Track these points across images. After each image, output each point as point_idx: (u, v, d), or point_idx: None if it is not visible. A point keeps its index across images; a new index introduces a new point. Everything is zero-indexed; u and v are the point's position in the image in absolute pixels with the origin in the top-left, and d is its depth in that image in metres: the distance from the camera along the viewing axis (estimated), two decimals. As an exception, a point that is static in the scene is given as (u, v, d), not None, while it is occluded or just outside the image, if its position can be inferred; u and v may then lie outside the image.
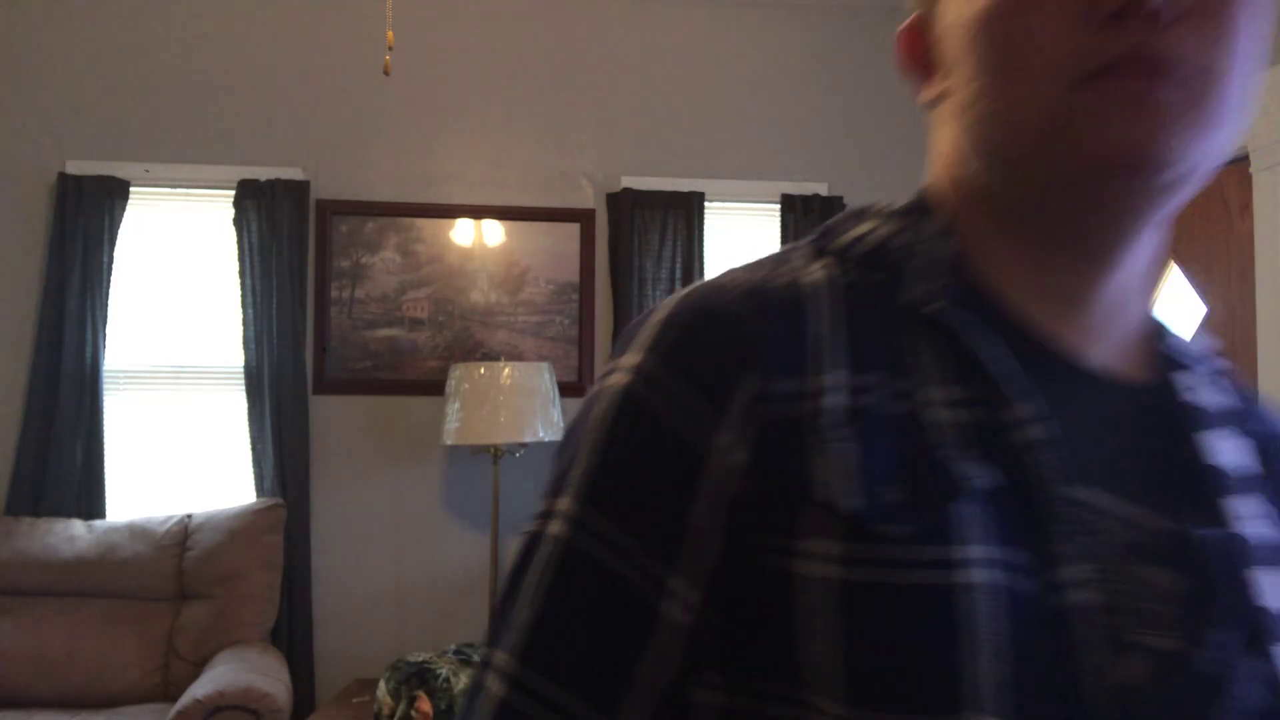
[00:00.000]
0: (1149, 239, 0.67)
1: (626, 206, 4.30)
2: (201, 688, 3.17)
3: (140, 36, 4.19)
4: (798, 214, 4.36)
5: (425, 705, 3.12)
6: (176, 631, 3.65)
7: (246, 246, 4.09)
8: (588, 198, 4.39)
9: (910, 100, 4.55)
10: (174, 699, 3.42)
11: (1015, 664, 0.54)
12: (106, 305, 4.00)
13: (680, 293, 0.65)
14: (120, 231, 4.05)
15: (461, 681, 3.41)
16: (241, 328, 4.05)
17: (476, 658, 3.53)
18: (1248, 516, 0.63)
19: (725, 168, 4.45)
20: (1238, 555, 0.60)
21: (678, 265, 4.32)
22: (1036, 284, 0.65)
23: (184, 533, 3.77)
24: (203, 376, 4.13)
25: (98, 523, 3.80)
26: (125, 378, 4.10)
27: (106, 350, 4.00)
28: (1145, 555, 0.59)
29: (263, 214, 4.10)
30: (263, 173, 4.13)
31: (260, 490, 4.02)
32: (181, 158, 4.17)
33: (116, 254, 4.04)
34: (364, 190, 4.25)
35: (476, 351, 4.25)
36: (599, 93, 4.41)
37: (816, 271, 0.65)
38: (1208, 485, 0.63)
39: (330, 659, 4.08)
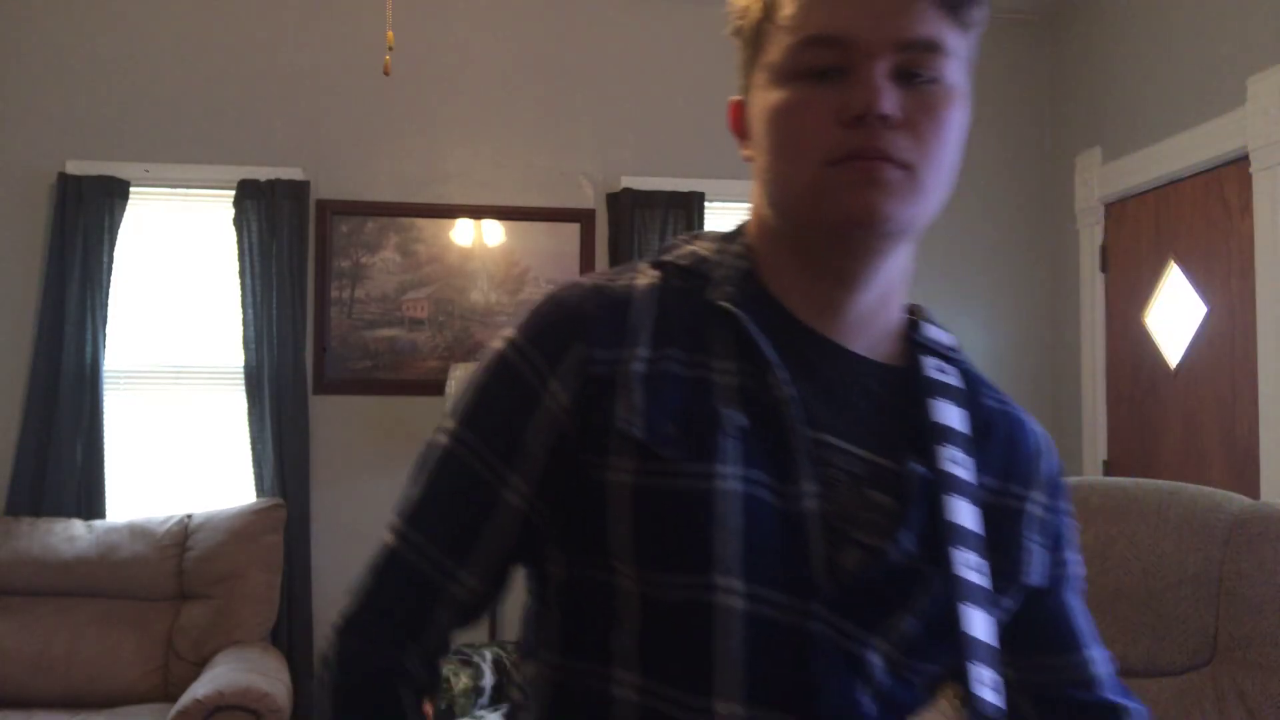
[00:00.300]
0: (889, 267, 0.93)
1: (626, 206, 4.30)
2: (201, 688, 3.17)
3: (140, 37, 4.20)
4: (798, 214, 4.36)
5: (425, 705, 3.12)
6: (176, 631, 3.64)
7: (246, 246, 4.09)
8: (588, 198, 4.39)
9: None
10: (174, 699, 3.41)
11: (752, 543, 0.84)
12: (106, 305, 4.00)
13: (552, 286, 0.95)
14: (120, 231, 4.05)
15: (462, 681, 3.41)
16: (241, 328, 4.05)
17: (477, 658, 3.53)
18: (950, 461, 0.91)
19: (725, 167, 4.45)
20: (934, 485, 0.89)
21: (678, 265, 4.32)
22: (807, 293, 0.93)
23: (184, 533, 3.77)
24: (203, 376, 4.13)
25: (98, 523, 3.80)
26: (125, 378, 4.10)
27: (106, 350, 4.01)
28: (867, 481, 0.89)
29: (263, 214, 4.10)
30: (263, 173, 4.13)
31: (260, 490, 4.02)
32: (181, 158, 4.17)
33: (116, 254, 4.04)
34: (364, 190, 4.25)
35: (476, 351, 4.25)
36: (599, 93, 4.41)
37: (648, 278, 0.95)
38: (927, 437, 0.92)
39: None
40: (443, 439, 0.93)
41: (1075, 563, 1.03)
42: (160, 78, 4.19)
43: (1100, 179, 4.23)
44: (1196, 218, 3.71)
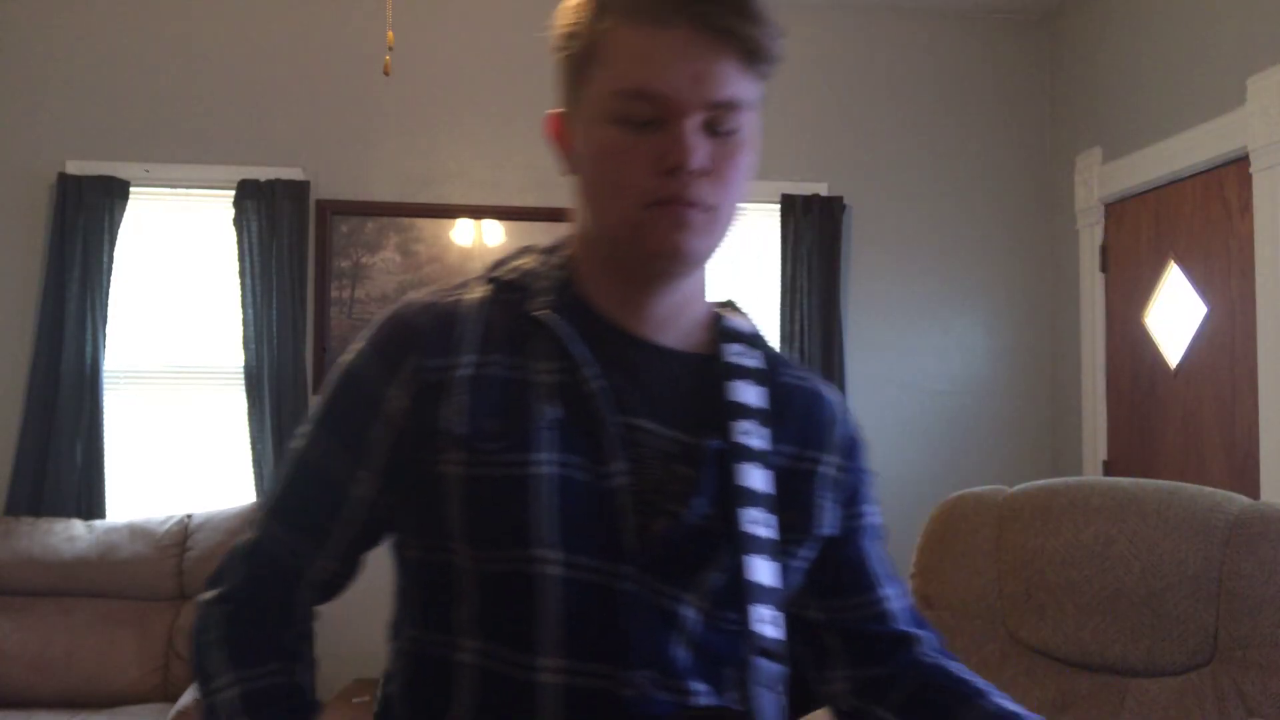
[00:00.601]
0: (692, 279, 1.09)
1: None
2: (201, 687, 3.16)
3: (140, 37, 4.20)
4: (798, 213, 4.36)
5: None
6: (176, 632, 3.64)
7: (246, 246, 4.09)
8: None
9: (909, 100, 4.57)
10: (174, 699, 3.42)
11: (568, 518, 0.97)
12: (106, 305, 4.01)
13: (394, 306, 1.09)
14: (120, 231, 4.05)
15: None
16: (241, 328, 4.05)
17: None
18: (744, 433, 1.05)
19: (725, 168, 4.45)
20: (729, 455, 1.03)
21: (678, 265, 4.32)
22: (619, 298, 1.07)
23: (184, 533, 3.77)
24: (202, 376, 4.13)
25: (98, 523, 3.80)
26: (125, 377, 4.10)
27: (106, 350, 4.01)
28: (674, 457, 1.02)
29: (263, 214, 4.10)
30: (263, 173, 4.13)
31: (260, 490, 4.02)
32: (181, 158, 4.17)
33: (116, 254, 4.04)
34: (364, 190, 4.25)
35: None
36: (599, 93, 4.41)
37: (476, 293, 1.09)
38: (726, 414, 1.05)
39: (330, 659, 4.04)
40: (300, 442, 1.09)
41: (871, 514, 1.21)
42: (160, 78, 4.19)
43: (1100, 179, 4.23)
44: (1196, 218, 3.71)
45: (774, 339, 4.33)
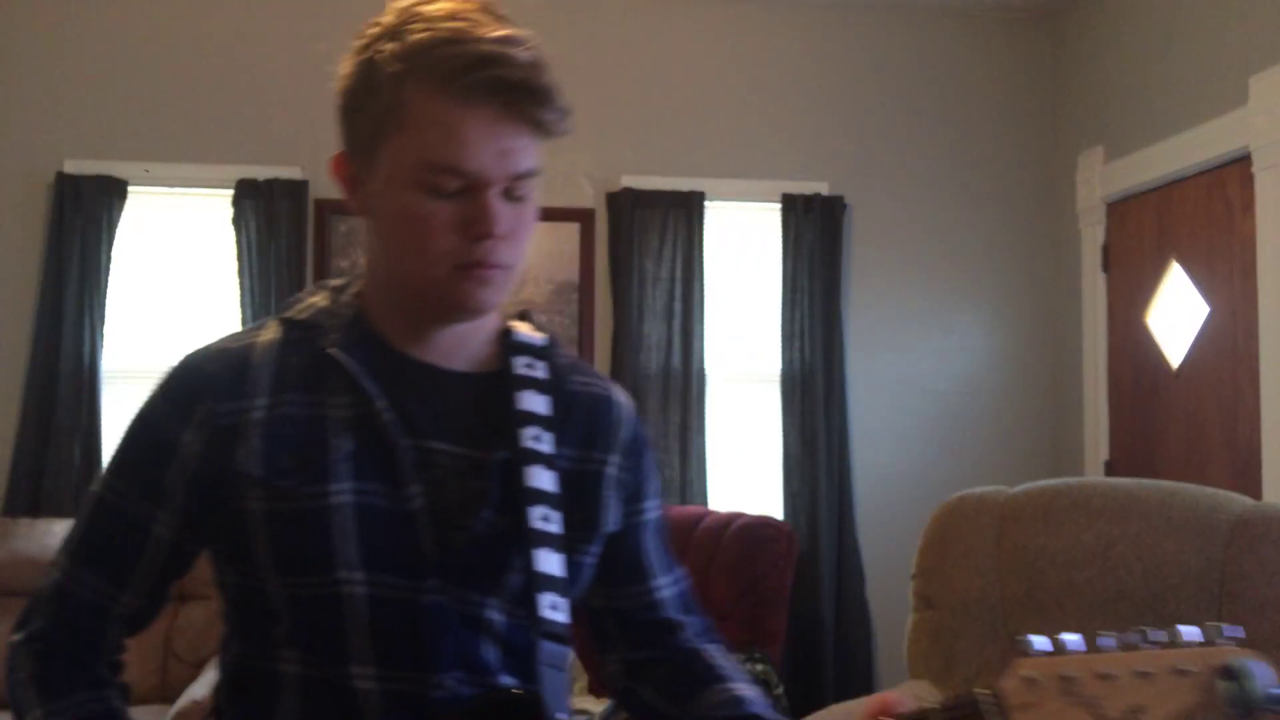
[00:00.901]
0: (483, 318, 1.16)
1: (626, 206, 4.30)
2: (199, 689, 3.17)
3: (138, 36, 4.19)
4: (798, 213, 4.35)
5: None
6: (174, 633, 3.64)
7: (245, 246, 4.09)
8: (588, 197, 4.38)
9: (910, 100, 4.56)
10: (172, 700, 3.40)
11: (367, 541, 1.05)
12: (104, 304, 4.00)
13: (187, 353, 1.15)
14: (118, 231, 4.05)
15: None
16: (239, 327, 4.03)
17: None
18: (532, 439, 1.14)
19: (725, 167, 4.45)
20: (516, 463, 1.12)
21: (678, 265, 4.31)
22: (408, 332, 1.14)
23: (182, 533, 3.76)
24: (201, 376, 4.12)
25: (96, 523, 3.79)
26: (123, 377, 4.09)
27: (104, 349, 4.01)
28: (466, 474, 1.10)
29: (261, 213, 4.10)
30: (261, 172, 4.13)
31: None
32: (180, 157, 4.17)
33: (114, 253, 4.04)
34: (363, 190, 4.24)
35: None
36: (599, 92, 4.40)
37: (270, 335, 1.14)
38: (515, 423, 1.14)
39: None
40: (98, 486, 1.14)
41: (652, 509, 1.28)
42: (158, 77, 4.18)
43: (1102, 178, 4.22)
44: (1198, 217, 3.70)
45: (775, 338, 4.33)
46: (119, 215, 4.04)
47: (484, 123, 1.04)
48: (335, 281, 1.21)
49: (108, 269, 4.01)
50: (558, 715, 1.08)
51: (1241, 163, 3.44)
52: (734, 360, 4.45)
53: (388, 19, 1.10)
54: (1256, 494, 3.25)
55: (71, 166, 4.06)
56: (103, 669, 1.13)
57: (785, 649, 3.81)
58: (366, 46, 1.11)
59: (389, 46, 1.07)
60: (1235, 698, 0.98)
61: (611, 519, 1.21)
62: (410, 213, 1.06)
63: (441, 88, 1.03)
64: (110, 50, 4.17)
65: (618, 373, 4.26)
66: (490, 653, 1.11)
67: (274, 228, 4.08)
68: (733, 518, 3.81)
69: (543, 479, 1.13)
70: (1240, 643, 1.02)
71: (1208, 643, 1.03)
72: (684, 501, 4.23)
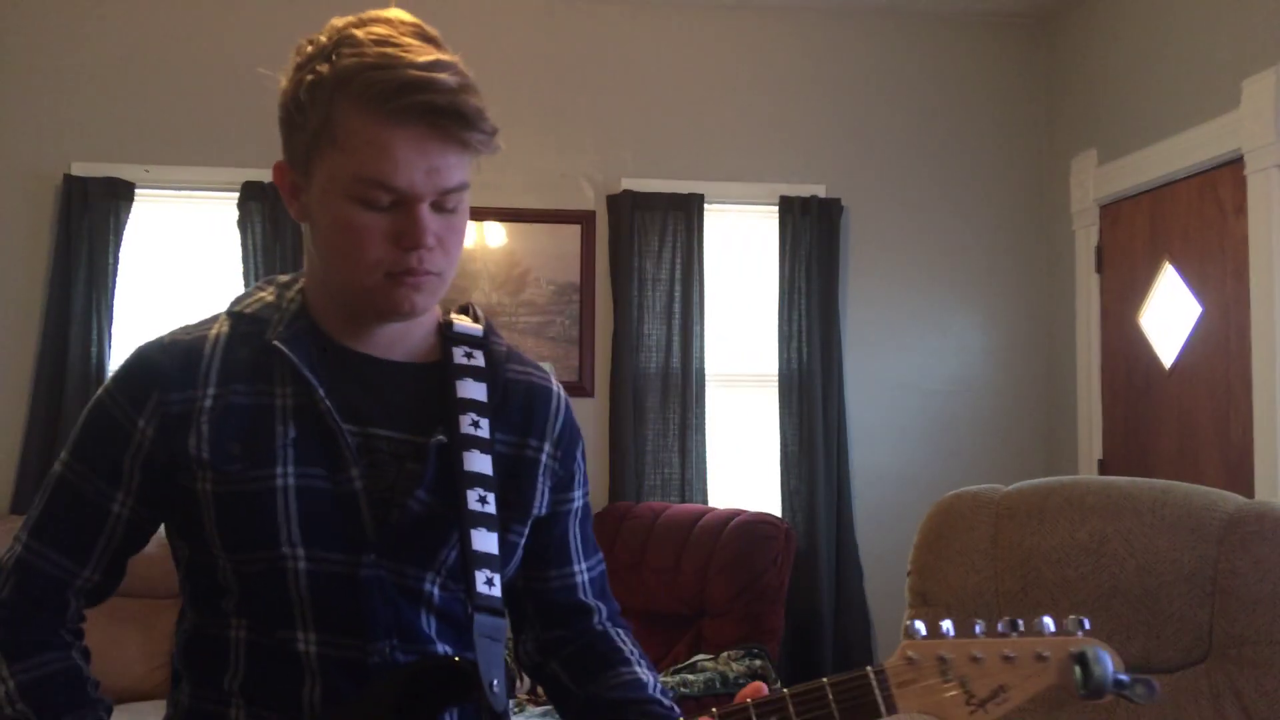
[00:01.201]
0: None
1: (626, 208, 4.33)
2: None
3: (145, 39, 4.22)
4: (796, 215, 4.39)
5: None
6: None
7: (250, 248, 4.12)
8: (588, 199, 4.41)
9: (906, 103, 4.60)
10: (178, 697, 3.43)
11: (308, 521, 1.14)
12: (111, 306, 4.03)
13: (140, 344, 1.25)
14: (125, 233, 4.07)
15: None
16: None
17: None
18: (470, 425, 1.21)
19: (724, 170, 4.48)
20: (453, 447, 1.19)
21: (677, 266, 4.35)
22: (349, 328, 1.21)
23: (188, 531, 3.78)
24: (206, 376, 4.14)
25: (102, 522, 3.81)
26: (129, 378, 4.12)
27: (111, 350, 4.02)
28: (405, 457, 1.19)
29: (266, 215, 4.12)
30: (267, 174, 4.06)
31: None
32: (186, 159, 4.19)
33: (121, 255, 4.06)
34: (366, 192, 4.26)
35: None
36: (599, 95, 4.43)
37: (220, 328, 1.23)
38: (454, 410, 1.21)
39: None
40: (59, 468, 1.21)
41: (579, 498, 1.36)
42: (165, 81, 4.21)
43: (1096, 180, 4.26)
44: (1191, 219, 3.74)
45: (773, 339, 4.37)
46: (126, 217, 4.07)
47: (412, 142, 1.10)
48: (282, 278, 1.29)
49: (115, 270, 4.04)
50: (492, 682, 1.15)
51: (1234, 165, 3.48)
52: (733, 360, 4.49)
53: (322, 38, 1.17)
54: (1249, 492, 3.28)
55: (79, 169, 4.08)
56: (65, 634, 1.20)
57: (783, 645, 3.84)
58: (302, 65, 1.17)
59: (322, 68, 1.13)
60: (1085, 682, 1.09)
61: (541, 503, 1.30)
62: (345, 223, 1.13)
63: (371, 109, 1.09)
64: (117, 54, 4.20)
65: (618, 373, 4.30)
66: (427, 623, 1.20)
67: (279, 229, 4.11)
68: (731, 515, 3.84)
69: (480, 463, 1.21)
70: (1089, 633, 1.13)
71: (1063, 632, 1.13)
72: (683, 500, 4.27)
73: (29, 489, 3.92)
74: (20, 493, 3.93)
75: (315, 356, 1.19)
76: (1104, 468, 4.20)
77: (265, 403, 1.17)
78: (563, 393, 1.35)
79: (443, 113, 1.09)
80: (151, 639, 3.62)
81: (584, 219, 4.39)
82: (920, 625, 1.15)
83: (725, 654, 3.42)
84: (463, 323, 1.31)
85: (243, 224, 4.12)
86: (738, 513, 3.85)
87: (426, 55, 1.11)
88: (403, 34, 1.13)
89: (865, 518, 4.43)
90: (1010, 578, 2.42)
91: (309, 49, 1.18)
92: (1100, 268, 4.26)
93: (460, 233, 1.19)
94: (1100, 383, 4.26)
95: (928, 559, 2.62)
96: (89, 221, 4.01)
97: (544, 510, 1.30)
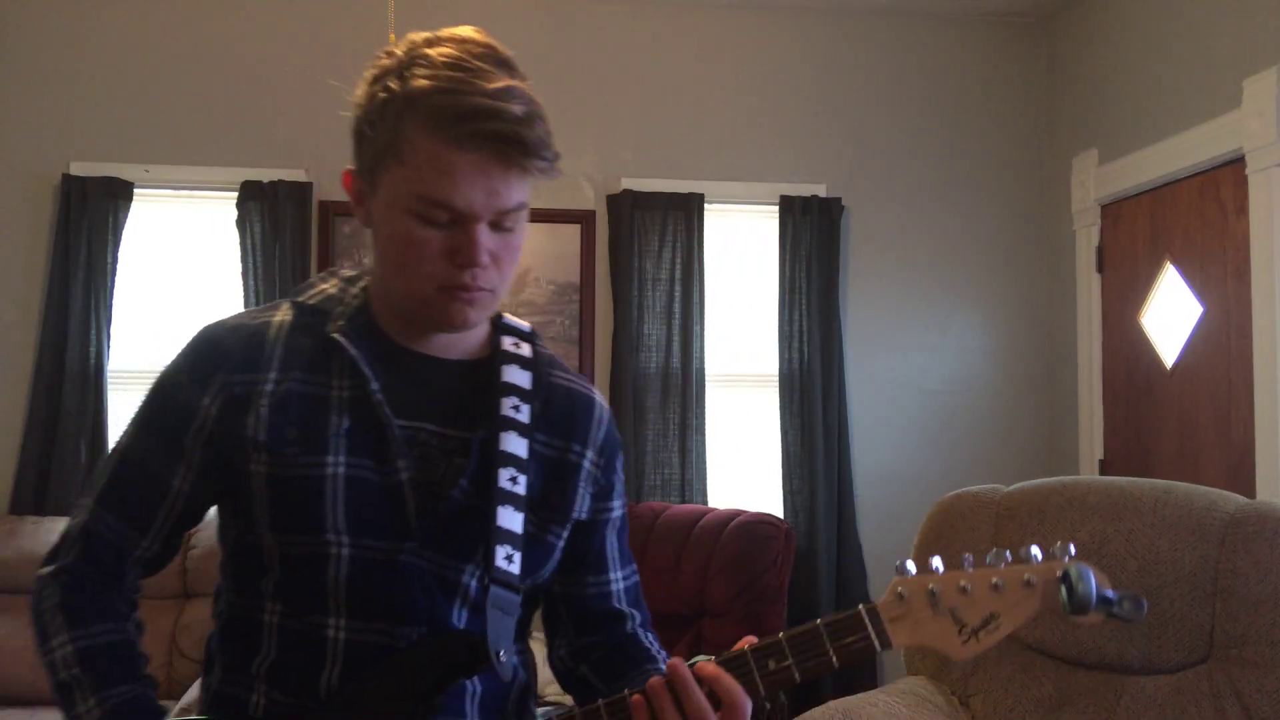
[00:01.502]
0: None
1: (626, 208, 4.33)
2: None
3: (144, 39, 4.22)
4: (796, 215, 4.39)
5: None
6: (180, 630, 3.66)
7: (249, 247, 4.11)
8: (588, 199, 4.41)
9: (907, 103, 4.59)
10: (177, 697, 3.43)
11: (354, 509, 1.18)
12: (110, 305, 4.02)
13: (204, 325, 1.27)
14: (124, 232, 4.07)
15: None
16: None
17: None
18: (511, 408, 1.26)
19: (724, 169, 4.48)
20: (491, 441, 1.23)
21: (677, 266, 4.35)
22: (409, 330, 1.26)
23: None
24: (205, 376, 4.14)
25: (101, 522, 3.80)
26: (129, 377, 4.11)
27: (110, 350, 4.02)
28: (452, 452, 1.23)
29: (265, 215, 4.12)
30: (265, 174, 4.15)
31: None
32: (185, 159, 4.19)
33: (120, 255, 4.06)
34: (366, 191, 4.26)
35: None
36: (599, 95, 4.43)
37: (283, 315, 1.27)
38: (498, 394, 1.26)
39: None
40: (125, 440, 1.27)
41: (618, 508, 1.39)
42: (163, 80, 4.21)
43: (1096, 180, 4.26)
44: (1192, 219, 3.74)
45: (773, 339, 4.37)
46: (125, 217, 4.07)
47: (475, 166, 1.13)
48: (347, 272, 1.33)
49: (114, 270, 4.04)
50: (499, 651, 1.20)
51: (1235, 165, 3.48)
52: (733, 360, 4.49)
53: (398, 52, 1.18)
54: (1250, 492, 3.28)
55: (77, 168, 4.08)
56: (122, 605, 1.25)
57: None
58: (376, 79, 1.19)
59: (394, 85, 1.15)
60: (1070, 599, 1.11)
61: (582, 507, 1.33)
62: (405, 237, 1.16)
63: (437, 132, 1.12)
64: (117, 53, 4.20)
65: (618, 373, 4.29)
66: (458, 615, 1.23)
67: (278, 229, 4.11)
68: (732, 515, 3.83)
69: (515, 445, 1.25)
70: (1075, 559, 1.14)
71: (1049, 558, 1.15)
72: (683, 500, 4.27)
73: (28, 489, 3.93)
74: (19, 492, 3.93)
75: (372, 352, 1.23)
76: (1105, 468, 4.20)
77: (322, 393, 1.22)
78: (605, 404, 1.39)
79: (506, 140, 1.12)
80: (152, 639, 3.59)
81: (584, 218, 4.39)
82: (910, 564, 1.17)
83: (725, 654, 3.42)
84: (512, 318, 1.36)
85: (241, 224, 4.12)
86: (738, 513, 3.85)
87: (496, 82, 1.14)
88: (475, 57, 1.15)
89: (866, 518, 4.42)
90: (1011, 578, 2.42)
91: (384, 61, 1.19)
92: (1101, 268, 4.26)
93: (516, 250, 1.21)
94: (1101, 383, 4.26)
95: (928, 559, 2.62)
96: (88, 221, 4.01)
97: (584, 515, 1.33)
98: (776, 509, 4.29)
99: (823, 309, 4.39)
